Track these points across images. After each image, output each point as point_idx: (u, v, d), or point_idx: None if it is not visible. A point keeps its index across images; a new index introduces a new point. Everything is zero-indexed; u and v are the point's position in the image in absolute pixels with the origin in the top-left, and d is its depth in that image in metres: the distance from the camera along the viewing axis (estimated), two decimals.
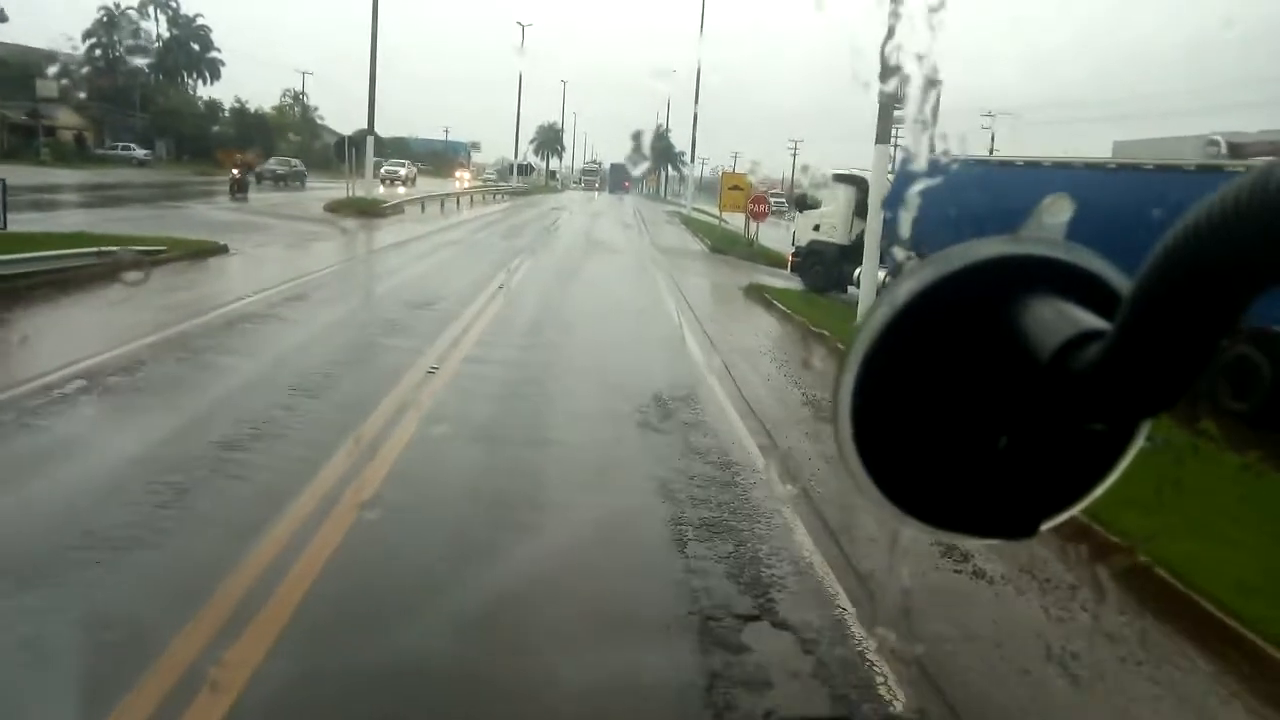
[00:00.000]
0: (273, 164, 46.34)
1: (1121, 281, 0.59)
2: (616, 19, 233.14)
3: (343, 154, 31.09)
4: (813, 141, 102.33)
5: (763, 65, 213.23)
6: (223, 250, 17.39)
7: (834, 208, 21.07)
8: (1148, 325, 0.49)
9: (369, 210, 30.41)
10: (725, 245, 29.51)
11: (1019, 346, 0.57)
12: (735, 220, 32.42)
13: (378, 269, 17.10)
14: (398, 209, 32.42)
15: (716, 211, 64.17)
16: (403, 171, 51.63)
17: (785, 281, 21.30)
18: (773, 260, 27.12)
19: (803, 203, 22.21)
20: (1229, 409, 9.57)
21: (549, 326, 12.07)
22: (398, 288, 14.72)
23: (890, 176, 22.25)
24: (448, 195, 40.88)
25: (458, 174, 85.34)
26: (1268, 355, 9.76)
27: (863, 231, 20.61)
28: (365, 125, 31.35)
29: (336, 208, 30.44)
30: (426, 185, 60.02)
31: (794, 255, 22.08)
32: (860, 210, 20.73)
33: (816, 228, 21.30)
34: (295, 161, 47.79)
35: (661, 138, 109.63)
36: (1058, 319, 0.56)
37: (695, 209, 53.37)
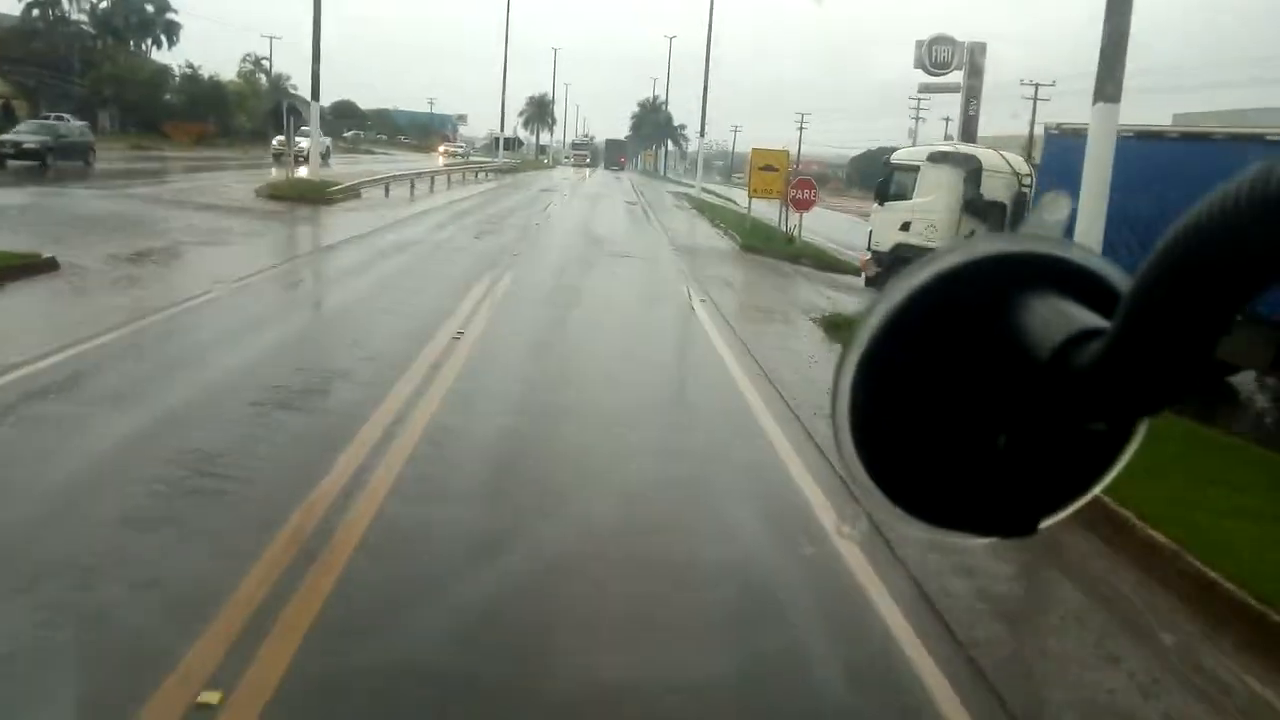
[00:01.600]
0: (22, 131, 28.22)
1: (1121, 279, 0.58)
2: None
3: (281, 123, 24.91)
4: (816, 116, 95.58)
5: (761, 36, 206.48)
6: (44, 268, 11.43)
7: (932, 199, 15.17)
8: (1147, 323, 0.49)
9: (313, 195, 24.32)
10: (758, 241, 23.53)
11: (1018, 345, 0.57)
12: (755, 204, 26.47)
13: (270, 301, 11.10)
14: (352, 193, 26.29)
15: (723, 191, 57.85)
16: (303, 143, 31.43)
17: (861, 300, 15.43)
18: (822, 262, 21.23)
19: (884, 192, 16.25)
20: None
21: (532, 462, 6.13)
22: (282, 345, 8.79)
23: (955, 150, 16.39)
24: (419, 174, 34.77)
25: (442, 149, 78.56)
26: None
27: (973, 233, 14.76)
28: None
29: (271, 192, 24.34)
30: (410, 161, 53.74)
31: (871, 263, 16.22)
32: (974, 204, 14.85)
33: (905, 227, 15.41)
34: (70, 126, 29.79)
35: (658, 109, 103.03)
36: (1057, 317, 0.56)
37: (704, 189, 47.30)
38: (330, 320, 9.93)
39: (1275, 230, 0.42)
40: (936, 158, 15.37)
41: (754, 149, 26.08)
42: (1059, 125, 13.86)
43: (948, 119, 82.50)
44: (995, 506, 0.64)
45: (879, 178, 16.82)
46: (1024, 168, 15.58)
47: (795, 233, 23.68)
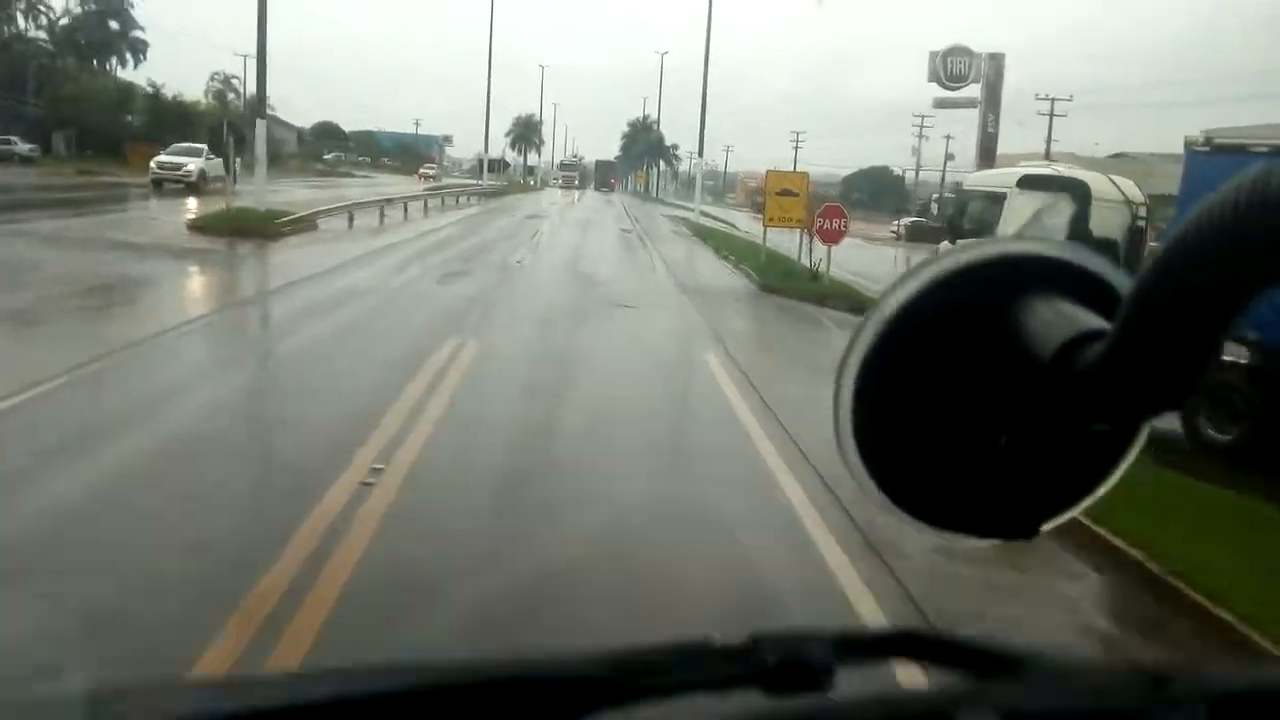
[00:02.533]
0: None
1: (1122, 281, 0.58)
2: (605, 11, 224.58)
3: (225, 145, 21.33)
4: (806, 134, 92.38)
5: (748, 54, 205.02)
6: None
7: (1031, 235, 11.67)
8: (1149, 325, 0.49)
9: (256, 229, 20.76)
10: (777, 278, 20.06)
11: (1020, 347, 0.57)
12: (754, 229, 23.05)
13: (101, 412, 7.35)
14: (305, 225, 22.74)
15: (718, 212, 54.29)
16: (190, 165, 27.88)
17: None
18: (856, 304, 17.69)
19: (956, 226, 12.79)
20: (1209, 441, 8.67)
21: None
22: (63, 520, 5.15)
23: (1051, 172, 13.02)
24: (390, 200, 31.30)
25: (421, 170, 75.07)
26: (1257, 383, 8.35)
27: None
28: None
29: (206, 225, 20.79)
30: (389, 185, 50.16)
31: None
32: (1087, 240, 11.31)
33: None
34: None
35: (650, 129, 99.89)
36: (1059, 319, 0.56)
37: (701, 212, 43.92)
38: (176, 454, 6.26)
39: (1275, 231, 0.42)
40: (1030, 183, 11.90)
41: (769, 171, 22.66)
42: (1209, 138, 10.47)
43: (949, 136, 79.53)
44: (998, 509, 0.63)
45: (949, 208, 13.31)
46: (1137, 195, 12.15)
47: (820, 267, 20.20)
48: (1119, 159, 43.13)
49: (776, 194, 21.95)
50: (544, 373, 9.80)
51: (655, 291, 17.67)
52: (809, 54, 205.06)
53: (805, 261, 20.94)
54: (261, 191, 22.34)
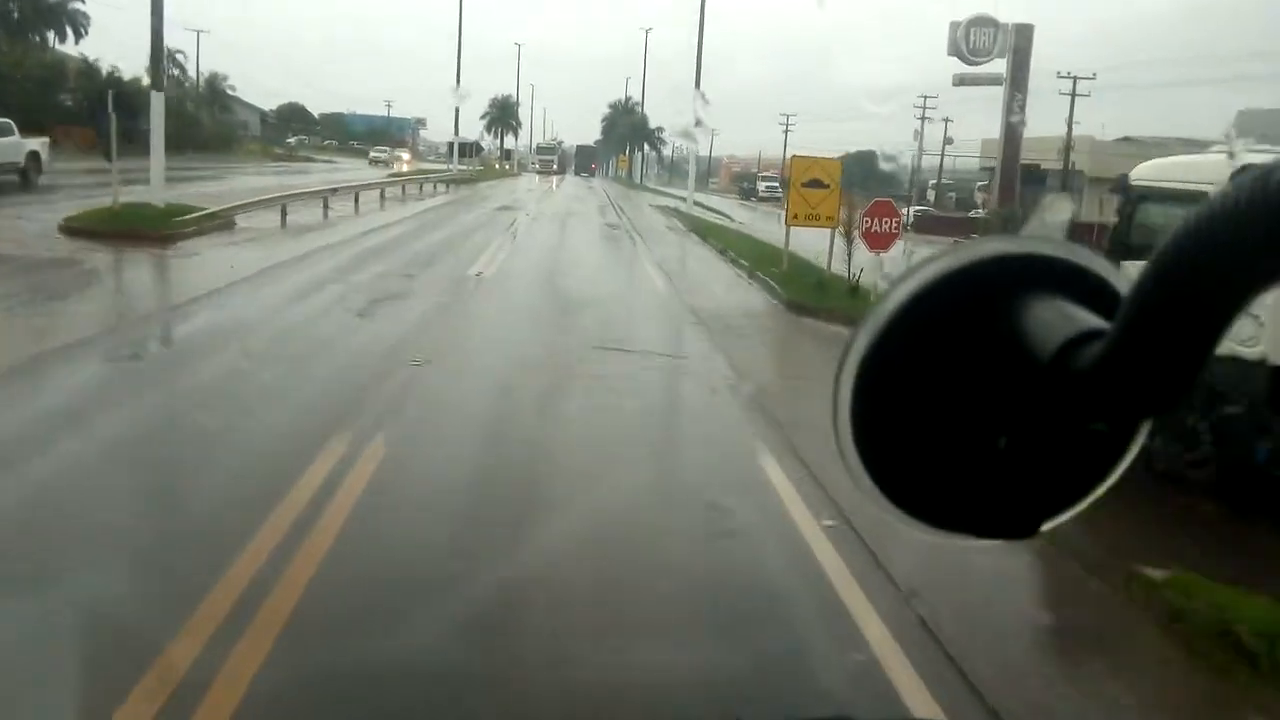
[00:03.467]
0: None
1: (1122, 280, 0.58)
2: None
3: (106, 122, 16.77)
4: (789, 118, 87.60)
5: (734, 41, 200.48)
6: None
7: None
8: (1149, 324, 0.49)
9: (148, 229, 16.33)
10: (807, 292, 15.77)
11: (1019, 346, 0.57)
12: (750, 220, 18.69)
13: None
14: (217, 224, 18.23)
15: (703, 199, 49.67)
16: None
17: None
18: None
19: (1123, 240, 8.46)
20: None
21: None
22: None
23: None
24: (338, 189, 26.85)
25: (372, 155, 69.99)
26: None
27: None
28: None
29: (84, 224, 16.32)
30: (354, 171, 45.52)
31: None
32: None
33: None
34: None
35: (632, 111, 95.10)
36: (1058, 319, 0.56)
37: (695, 202, 39.49)
38: None
39: (1276, 231, 0.42)
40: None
41: (794, 157, 18.40)
42: None
43: (948, 120, 75.29)
44: (997, 509, 0.63)
45: (1117, 213, 8.91)
46: None
47: (859, 278, 15.96)
48: (1126, 143, 39.37)
49: (802, 186, 17.65)
50: (491, 509, 5.55)
51: (659, 319, 13.32)
52: (794, 37, 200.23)
53: (836, 267, 16.73)
54: (158, 182, 17.81)
